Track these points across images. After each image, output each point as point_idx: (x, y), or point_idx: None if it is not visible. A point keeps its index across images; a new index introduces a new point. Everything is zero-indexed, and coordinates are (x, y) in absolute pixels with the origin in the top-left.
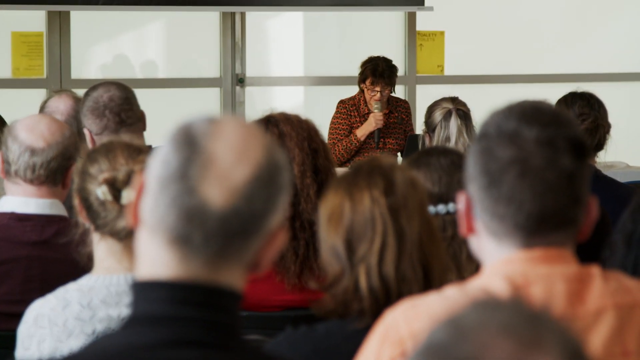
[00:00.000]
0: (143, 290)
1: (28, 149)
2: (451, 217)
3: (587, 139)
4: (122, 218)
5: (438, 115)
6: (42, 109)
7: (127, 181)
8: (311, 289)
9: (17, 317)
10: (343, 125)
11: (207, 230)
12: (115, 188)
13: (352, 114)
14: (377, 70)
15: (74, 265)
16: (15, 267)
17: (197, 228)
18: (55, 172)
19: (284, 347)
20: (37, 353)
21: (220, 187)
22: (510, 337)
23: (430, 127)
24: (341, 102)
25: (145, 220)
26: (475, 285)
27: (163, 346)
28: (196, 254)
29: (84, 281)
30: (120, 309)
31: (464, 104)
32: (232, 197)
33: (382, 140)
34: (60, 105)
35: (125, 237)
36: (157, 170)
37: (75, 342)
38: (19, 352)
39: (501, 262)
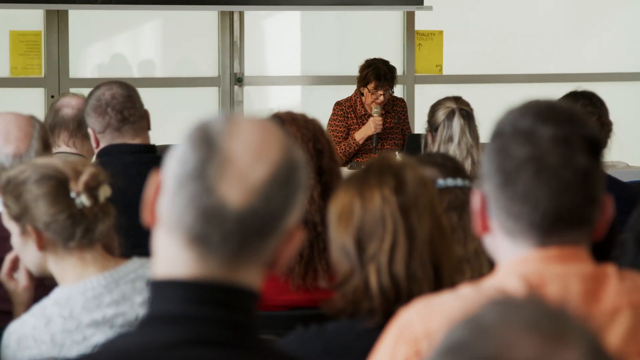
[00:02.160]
0: (160, 289)
1: (16, 157)
2: (461, 190)
3: (602, 138)
4: (102, 220)
5: (441, 114)
6: (52, 105)
7: (103, 178)
8: (315, 289)
9: None
10: (340, 127)
11: (225, 230)
12: (94, 189)
13: (349, 115)
14: (381, 74)
15: None
16: None
17: (215, 228)
18: None
19: (294, 346)
20: None
21: (238, 187)
22: (535, 333)
23: (432, 126)
24: (338, 103)
25: (163, 219)
26: (490, 285)
27: (180, 345)
28: (214, 253)
29: (58, 294)
30: (102, 310)
31: (467, 104)
32: (250, 196)
33: (380, 141)
34: (72, 101)
35: (100, 240)
36: (174, 169)
37: (70, 353)
38: None
39: (516, 261)
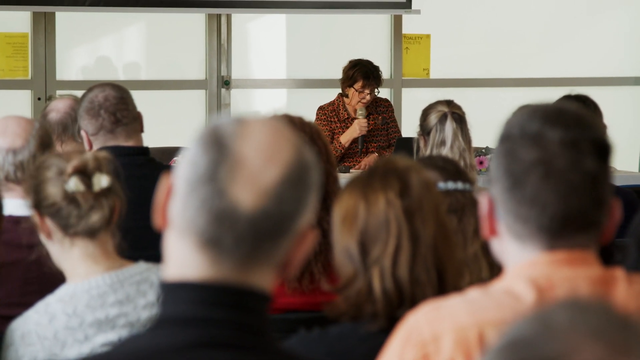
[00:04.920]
0: (172, 291)
1: (10, 151)
2: (461, 193)
3: (610, 141)
4: (96, 210)
5: (433, 118)
6: (44, 109)
7: (97, 166)
8: (311, 291)
9: None
10: (324, 132)
11: (238, 233)
12: (86, 175)
13: (332, 119)
14: (369, 73)
15: None
16: (14, 270)
17: (228, 231)
18: None
19: (298, 349)
20: None
21: (250, 189)
22: (600, 340)
23: (425, 130)
24: (320, 108)
25: (174, 222)
26: (499, 288)
27: (193, 348)
28: (226, 256)
29: (63, 291)
30: (106, 310)
31: (459, 107)
32: (262, 198)
33: (364, 144)
34: (59, 104)
35: (98, 233)
36: (185, 172)
37: (71, 352)
38: None
39: (524, 264)
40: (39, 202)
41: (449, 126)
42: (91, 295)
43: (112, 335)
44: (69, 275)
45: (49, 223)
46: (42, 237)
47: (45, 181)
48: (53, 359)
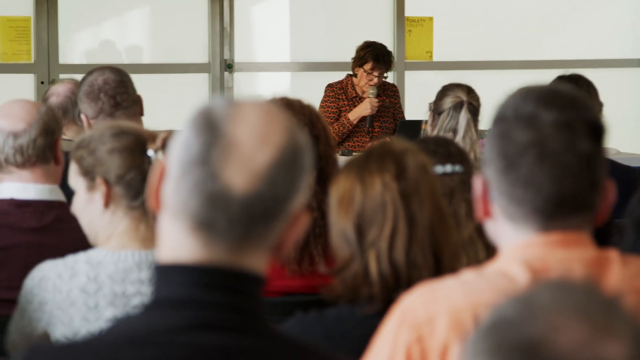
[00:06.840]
0: (165, 273)
1: (11, 134)
2: (450, 176)
3: (604, 122)
4: None
5: (449, 101)
6: (45, 93)
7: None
8: (311, 274)
9: (16, 303)
10: (332, 109)
11: (231, 215)
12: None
13: (340, 97)
14: (379, 56)
15: (73, 251)
16: (15, 253)
17: (221, 213)
18: (43, 149)
19: (295, 331)
20: (38, 315)
21: (242, 172)
22: (583, 320)
23: (437, 109)
24: (329, 85)
25: (167, 205)
26: (493, 270)
27: (186, 330)
28: (220, 238)
29: (94, 254)
30: (125, 286)
31: (477, 99)
32: (255, 181)
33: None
34: (59, 88)
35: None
36: (178, 154)
37: (76, 313)
38: (17, 316)
39: (519, 246)
40: (105, 172)
41: (464, 116)
42: (117, 268)
43: (121, 312)
44: (105, 240)
45: (117, 191)
46: (85, 202)
47: (116, 152)
48: (52, 322)
